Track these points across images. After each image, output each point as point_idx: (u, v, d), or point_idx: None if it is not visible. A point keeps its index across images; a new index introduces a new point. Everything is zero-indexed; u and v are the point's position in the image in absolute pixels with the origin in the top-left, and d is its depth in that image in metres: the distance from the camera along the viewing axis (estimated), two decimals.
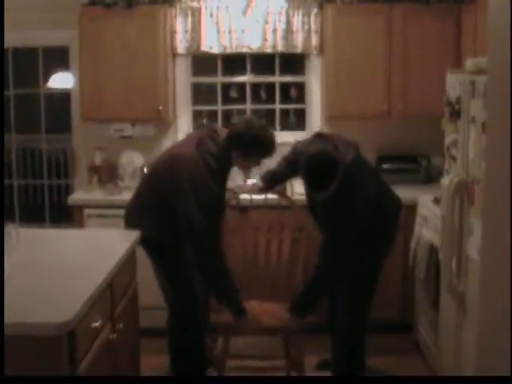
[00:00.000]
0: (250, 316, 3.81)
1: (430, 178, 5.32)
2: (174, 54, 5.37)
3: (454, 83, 3.91)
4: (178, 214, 3.69)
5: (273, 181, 4.19)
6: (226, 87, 5.73)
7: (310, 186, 3.68)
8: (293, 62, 5.65)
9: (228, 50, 5.26)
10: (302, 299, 3.85)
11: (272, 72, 5.62)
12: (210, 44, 5.24)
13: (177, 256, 3.88)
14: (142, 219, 3.87)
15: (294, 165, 3.96)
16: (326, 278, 3.82)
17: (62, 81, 5.91)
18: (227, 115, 5.73)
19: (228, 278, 3.73)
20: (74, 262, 3.21)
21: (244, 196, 4.21)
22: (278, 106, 5.68)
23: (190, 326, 3.98)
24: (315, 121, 5.53)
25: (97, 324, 2.82)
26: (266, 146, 3.73)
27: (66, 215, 5.24)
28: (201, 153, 3.70)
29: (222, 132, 3.84)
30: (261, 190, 4.17)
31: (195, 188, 3.62)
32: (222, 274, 3.72)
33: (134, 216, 3.94)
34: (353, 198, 3.67)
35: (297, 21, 5.23)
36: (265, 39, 5.23)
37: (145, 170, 5.25)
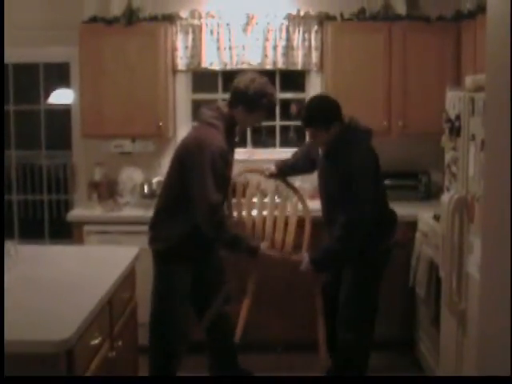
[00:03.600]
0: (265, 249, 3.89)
1: (430, 194, 5.32)
2: (175, 71, 5.38)
3: (453, 100, 3.92)
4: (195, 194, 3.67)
5: (285, 168, 4.35)
6: None
7: (308, 120, 3.89)
8: (293, 79, 5.66)
9: (228, 67, 5.28)
10: (322, 252, 3.95)
11: None
12: (211, 60, 5.26)
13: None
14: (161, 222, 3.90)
15: (308, 155, 4.21)
16: (350, 241, 3.87)
17: (62, 97, 5.92)
18: None
19: (232, 231, 3.80)
20: (73, 279, 3.20)
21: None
22: (278, 123, 5.68)
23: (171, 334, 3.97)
24: None
25: (96, 341, 2.81)
26: (268, 97, 3.80)
27: (65, 231, 5.23)
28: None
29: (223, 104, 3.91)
30: (271, 176, 4.34)
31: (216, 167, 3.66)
32: (228, 232, 3.77)
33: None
34: (354, 156, 3.83)
35: (297, 38, 5.26)
36: (265, 56, 5.25)
37: (145, 187, 5.27)
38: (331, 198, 3.98)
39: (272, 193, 4.37)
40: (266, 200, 4.38)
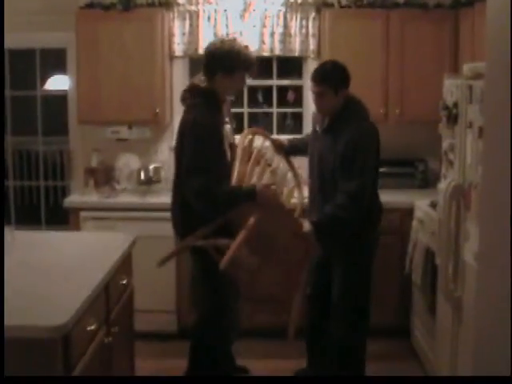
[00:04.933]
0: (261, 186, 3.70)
1: (427, 182, 5.32)
2: (172, 57, 5.37)
3: (451, 88, 3.92)
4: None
5: (292, 145, 4.29)
6: None
7: (321, 76, 3.85)
8: (290, 66, 5.65)
9: None
10: (325, 216, 3.78)
11: (269, 75, 5.62)
12: None
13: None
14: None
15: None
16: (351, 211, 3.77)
17: (59, 83, 5.90)
18: None
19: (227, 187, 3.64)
20: (69, 265, 3.20)
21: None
22: (275, 110, 5.68)
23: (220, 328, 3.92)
24: None
25: (92, 327, 2.81)
26: (243, 54, 3.71)
27: (62, 217, 5.22)
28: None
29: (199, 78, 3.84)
30: (278, 148, 4.22)
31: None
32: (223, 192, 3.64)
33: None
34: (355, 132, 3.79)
35: (294, 25, 5.24)
36: (262, 42, 5.24)
37: (142, 173, 5.26)
38: (328, 173, 3.86)
39: (273, 168, 4.21)
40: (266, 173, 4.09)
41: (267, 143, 4.19)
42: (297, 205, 4.11)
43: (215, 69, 3.69)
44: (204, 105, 3.68)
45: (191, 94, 3.75)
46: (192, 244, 3.72)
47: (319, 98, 3.90)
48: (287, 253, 3.62)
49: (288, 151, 4.27)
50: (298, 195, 4.19)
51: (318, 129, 4.02)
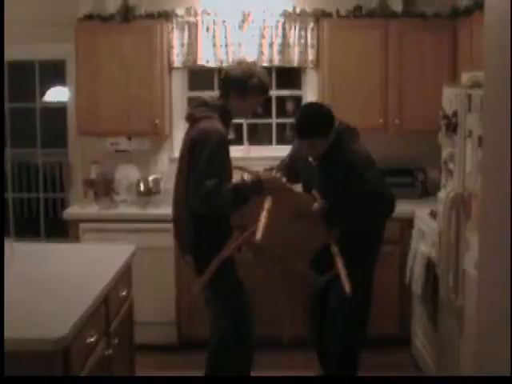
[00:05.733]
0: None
1: (427, 191, 5.31)
2: (171, 68, 5.37)
3: (450, 97, 3.92)
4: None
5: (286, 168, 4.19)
6: None
7: (309, 131, 3.75)
8: (289, 76, 5.65)
9: (224, 64, 5.25)
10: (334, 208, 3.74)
11: None
12: (207, 58, 5.24)
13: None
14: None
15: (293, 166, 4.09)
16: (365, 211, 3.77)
17: (58, 94, 5.90)
18: None
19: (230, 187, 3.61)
20: (68, 277, 3.19)
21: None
22: (274, 120, 5.67)
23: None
24: None
25: (92, 339, 2.80)
26: (259, 79, 3.72)
27: (61, 229, 5.21)
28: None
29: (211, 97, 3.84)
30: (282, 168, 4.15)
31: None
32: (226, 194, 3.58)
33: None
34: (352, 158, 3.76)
35: (293, 35, 5.24)
36: (261, 53, 5.24)
37: (141, 185, 5.24)
38: (333, 196, 3.81)
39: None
40: None
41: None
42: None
43: (229, 89, 3.72)
44: (217, 118, 3.67)
45: (205, 109, 3.72)
46: (224, 259, 3.64)
47: (311, 148, 3.84)
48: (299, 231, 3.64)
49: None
50: None
51: (310, 159, 3.95)
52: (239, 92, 3.70)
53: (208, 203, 3.53)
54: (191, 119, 3.78)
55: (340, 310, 3.92)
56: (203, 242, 3.67)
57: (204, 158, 3.52)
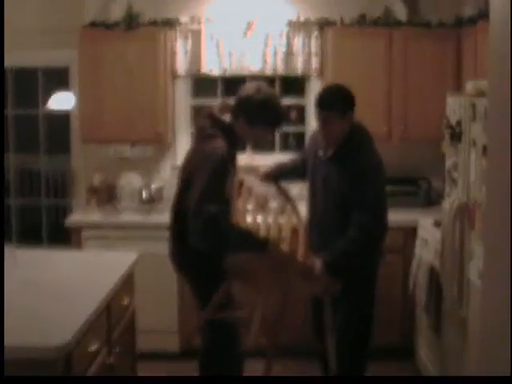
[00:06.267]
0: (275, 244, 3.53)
1: (430, 200, 5.29)
2: (174, 76, 5.37)
3: (454, 106, 3.91)
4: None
5: (280, 170, 4.21)
6: None
7: (325, 102, 3.76)
8: (293, 85, 5.65)
9: (228, 73, 5.26)
10: (337, 254, 3.65)
11: None
12: (210, 66, 5.24)
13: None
14: None
15: (304, 161, 4.08)
16: (364, 240, 3.68)
17: (61, 102, 5.90)
18: None
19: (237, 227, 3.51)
20: (71, 284, 3.18)
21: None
22: None
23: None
24: None
25: (94, 347, 2.79)
26: (273, 111, 3.59)
27: (63, 236, 5.21)
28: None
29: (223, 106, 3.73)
30: (265, 177, 4.08)
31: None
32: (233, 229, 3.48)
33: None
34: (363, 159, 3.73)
35: (297, 43, 5.24)
36: (265, 62, 5.24)
37: (144, 192, 5.24)
38: (333, 199, 3.78)
39: (266, 199, 4.15)
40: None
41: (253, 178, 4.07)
42: (298, 226, 3.85)
43: (239, 113, 3.58)
44: (223, 138, 3.54)
45: (211, 125, 3.61)
46: (213, 317, 3.59)
47: (325, 124, 3.79)
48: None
49: (277, 175, 4.15)
50: (297, 218, 3.88)
51: (321, 154, 3.91)
52: (248, 120, 3.57)
53: (206, 232, 3.34)
54: (201, 135, 3.68)
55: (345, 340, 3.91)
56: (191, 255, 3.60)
57: (205, 180, 3.39)
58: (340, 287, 3.64)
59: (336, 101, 3.76)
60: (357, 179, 3.66)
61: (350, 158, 3.72)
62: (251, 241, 3.45)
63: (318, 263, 3.60)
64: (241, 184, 3.77)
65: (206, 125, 3.64)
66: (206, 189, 3.36)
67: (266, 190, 4.06)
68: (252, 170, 4.22)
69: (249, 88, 3.62)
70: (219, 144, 3.50)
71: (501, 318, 2.23)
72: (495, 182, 2.34)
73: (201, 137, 3.66)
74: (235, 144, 3.65)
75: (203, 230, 3.32)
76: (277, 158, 5.49)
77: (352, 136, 3.77)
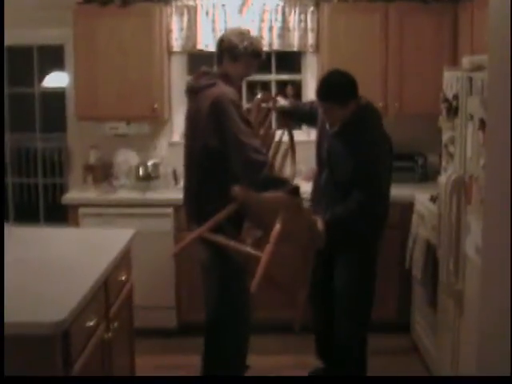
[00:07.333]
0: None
1: (427, 176, 5.30)
2: (170, 52, 5.34)
3: (451, 80, 3.90)
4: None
5: (294, 108, 4.23)
6: None
7: (324, 94, 3.74)
8: (289, 60, 5.63)
9: None
10: (333, 216, 3.71)
11: (268, 70, 5.60)
12: (206, 42, 5.22)
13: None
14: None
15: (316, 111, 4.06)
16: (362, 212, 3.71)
17: (56, 80, 5.88)
18: None
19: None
20: (68, 261, 3.19)
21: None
22: None
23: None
24: None
25: (91, 323, 2.80)
26: (250, 39, 3.76)
27: (60, 214, 5.21)
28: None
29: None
30: (279, 111, 4.18)
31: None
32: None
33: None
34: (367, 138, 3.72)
35: (293, 19, 5.22)
36: (261, 37, 5.20)
37: (140, 169, 5.23)
38: (336, 174, 3.80)
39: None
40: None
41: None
42: (290, 176, 4.02)
43: (222, 54, 3.75)
44: (221, 83, 3.64)
45: (206, 78, 3.71)
46: (208, 237, 3.58)
47: (327, 112, 3.80)
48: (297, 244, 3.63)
49: (288, 113, 4.23)
50: (291, 166, 4.11)
51: (327, 127, 3.89)
52: (231, 55, 3.72)
53: (252, 163, 3.46)
54: (194, 90, 3.75)
55: (344, 303, 3.92)
56: (213, 204, 3.62)
57: (230, 122, 3.49)
58: (323, 245, 3.70)
59: (335, 92, 3.73)
60: (359, 161, 3.66)
61: (354, 136, 3.72)
62: (278, 177, 3.58)
63: (319, 221, 3.68)
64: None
65: (202, 80, 3.73)
66: (239, 125, 3.49)
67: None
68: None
69: (224, 32, 3.88)
70: (223, 88, 3.62)
71: (499, 291, 2.25)
72: (494, 156, 2.34)
73: (200, 89, 3.70)
74: (237, 89, 3.79)
75: (260, 178, 3.44)
76: None
77: (358, 115, 3.75)
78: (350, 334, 3.95)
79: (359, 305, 3.93)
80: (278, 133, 4.11)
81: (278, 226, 3.32)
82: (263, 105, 4.05)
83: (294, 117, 4.34)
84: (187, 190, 3.84)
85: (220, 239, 3.54)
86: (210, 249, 3.65)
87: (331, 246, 3.76)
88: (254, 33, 5.11)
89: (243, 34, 3.77)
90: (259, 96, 4.06)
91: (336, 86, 3.74)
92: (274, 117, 4.49)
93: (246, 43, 3.72)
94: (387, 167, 3.82)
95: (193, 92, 3.78)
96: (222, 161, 3.57)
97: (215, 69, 3.81)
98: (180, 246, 3.75)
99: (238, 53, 3.71)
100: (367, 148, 3.69)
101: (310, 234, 3.65)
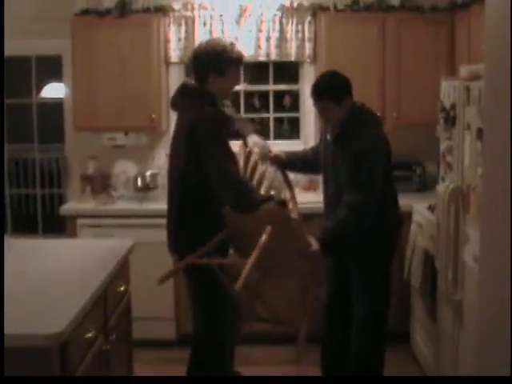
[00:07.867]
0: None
1: (425, 185, 5.31)
2: (168, 63, 5.35)
3: (448, 90, 3.91)
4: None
5: (289, 158, 4.11)
6: None
7: (318, 93, 3.74)
8: (286, 70, 5.64)
9: None
10: (325, 232, 3.63)
11: (266, 80, 5.61)
12: None
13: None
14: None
15: (317, 153, 4.05)
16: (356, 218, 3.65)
17: (54, 90, 5.88)
18: None
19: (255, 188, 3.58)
20: (66, 272, 3.18)
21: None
22: (271, 115, 5.66)
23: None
24: (309, 129, 5.52)
25: (89, 335, 2.79)
26: (230, 47, 3.59)
27: (58, 225, 5.20)
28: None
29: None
30: (274, 160, 4.04)
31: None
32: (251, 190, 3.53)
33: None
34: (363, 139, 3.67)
35: (290, 29, 5.23)
36: (258, 47, 5.23)
37: (138, 180, 5.23)
38: (340, 182, 3.76)
39: (269, 179, 4.09)
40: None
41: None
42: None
43: (207, 69, 3.56)
44: (199, 103, 3.52)
45: (184, 95, 3.62)
46: (195, 262, 3.51)
47: (322, 112, 3.81)
48: (292, 270, 3.49)
49: (284, 163, 4.10)
50: (293, 207, 3.91)
51: (328, 137, 3.89)
52: (216, 70, 3.55)
53: (228, 186, 3.42)
54: (177, 107, 3.69)
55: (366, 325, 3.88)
56: (190, 231, 3.58)
57: (210, 145, 3.42)
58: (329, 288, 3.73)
59: (329, 91, 3.74)
60: (354, 162, 3.64)
61: (350, 140, 3.70)
62: (259, 195, 3.52)
63: (313, 241, 3.55)
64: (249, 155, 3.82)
65: (178, 99, 3.65)
66: (223, 163, 3.43)
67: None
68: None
69: (197, 47, 3.69)
70: (200, 110, 3.48)
71: (497, 300, 2.24)
72: (491, 165, 2.34)
73: (179, 110, 3.67)
74: (216, 106, 3.62)
75: (245, 205, 3.39)
76: (271, 144, 5.48)
77: (352, 118, 3.75)
78: (370, 347, 3.89)
79: (376, 318, 3.86)
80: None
81: (264, 236, 3.25)
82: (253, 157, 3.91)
83: (295, 169, 4.25)
84: (167, 214, 3.73)
85: (209, 260, 3.47)
86: (196, 278, 3.64)
87: (341, 258, 3.74)
88: (249, 44, 5.18)
89: (221, 45, 3.60)
90: (248, 149, 3.90)
91: (329, 83, 3.77)
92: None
93: (227, 53, 3.56)
94: (382, 169, 3.74)
95: (176, 109, 3.72)
96: (200, 188, 3.49)
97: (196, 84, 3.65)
98: (166, 274, 3.68)
99: (223, 65, 3.55)
100: (361, 150, 3.64)
101: (307, 259, 3.52)
